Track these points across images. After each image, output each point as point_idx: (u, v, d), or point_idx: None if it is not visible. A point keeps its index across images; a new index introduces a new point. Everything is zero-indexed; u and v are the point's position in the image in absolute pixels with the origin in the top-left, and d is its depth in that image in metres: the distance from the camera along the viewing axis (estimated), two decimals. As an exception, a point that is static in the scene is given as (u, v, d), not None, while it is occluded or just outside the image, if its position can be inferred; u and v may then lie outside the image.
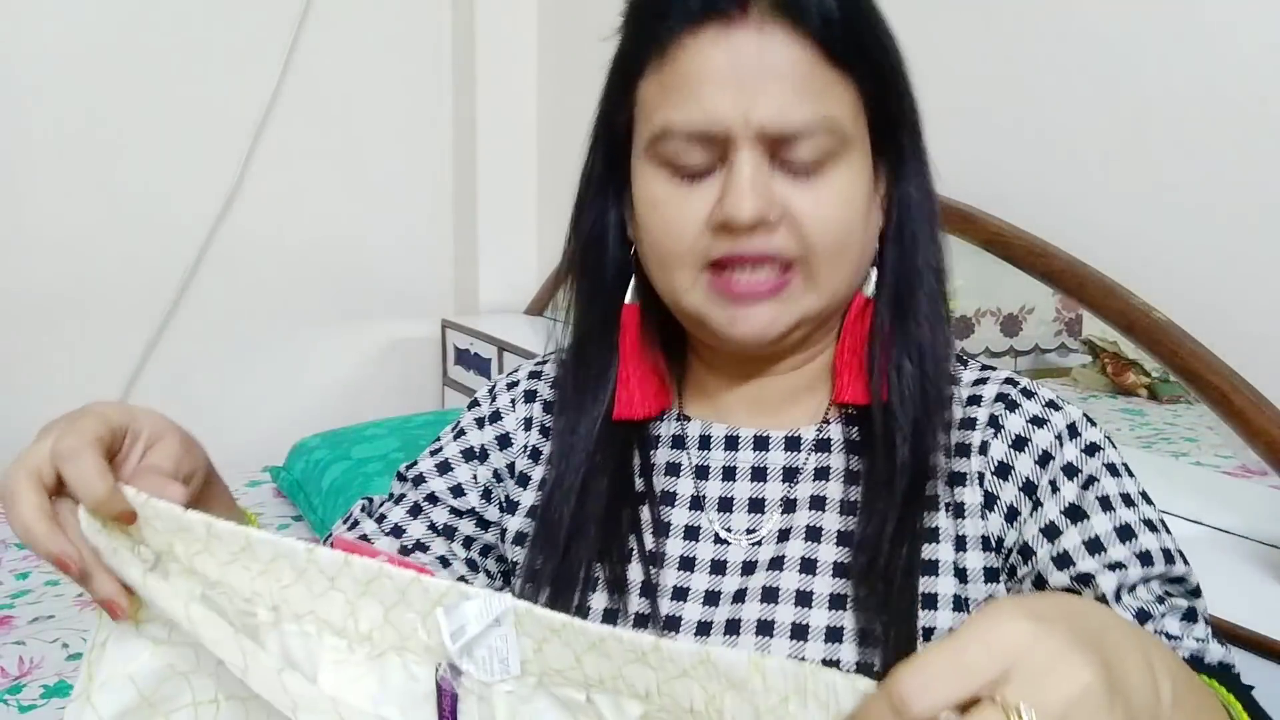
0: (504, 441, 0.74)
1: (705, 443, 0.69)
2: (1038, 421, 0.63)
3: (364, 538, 0.74)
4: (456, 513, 0.74)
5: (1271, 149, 1.12)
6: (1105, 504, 0.60)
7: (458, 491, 0.74)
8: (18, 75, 2.12)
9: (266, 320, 2.47)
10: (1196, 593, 0.60)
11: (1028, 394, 0.64)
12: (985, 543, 0.62)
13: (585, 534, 0.65)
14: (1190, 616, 0.58)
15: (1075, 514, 0.60)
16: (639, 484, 0.68)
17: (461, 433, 0.76)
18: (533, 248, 2.61)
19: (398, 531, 0.74)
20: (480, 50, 2.45)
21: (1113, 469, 0.62)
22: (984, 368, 0.68)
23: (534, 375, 0.77)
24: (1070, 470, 0.61)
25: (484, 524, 0.74)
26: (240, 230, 2.39)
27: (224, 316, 2.42)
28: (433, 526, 0.74)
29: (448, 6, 2.54)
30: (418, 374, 2.69)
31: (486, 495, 0.74)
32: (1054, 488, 0.61)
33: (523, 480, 0.73)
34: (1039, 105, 1.37)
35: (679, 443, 0.69)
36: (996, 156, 1.42)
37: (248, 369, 2.47)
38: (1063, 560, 0.59)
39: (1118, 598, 0.57)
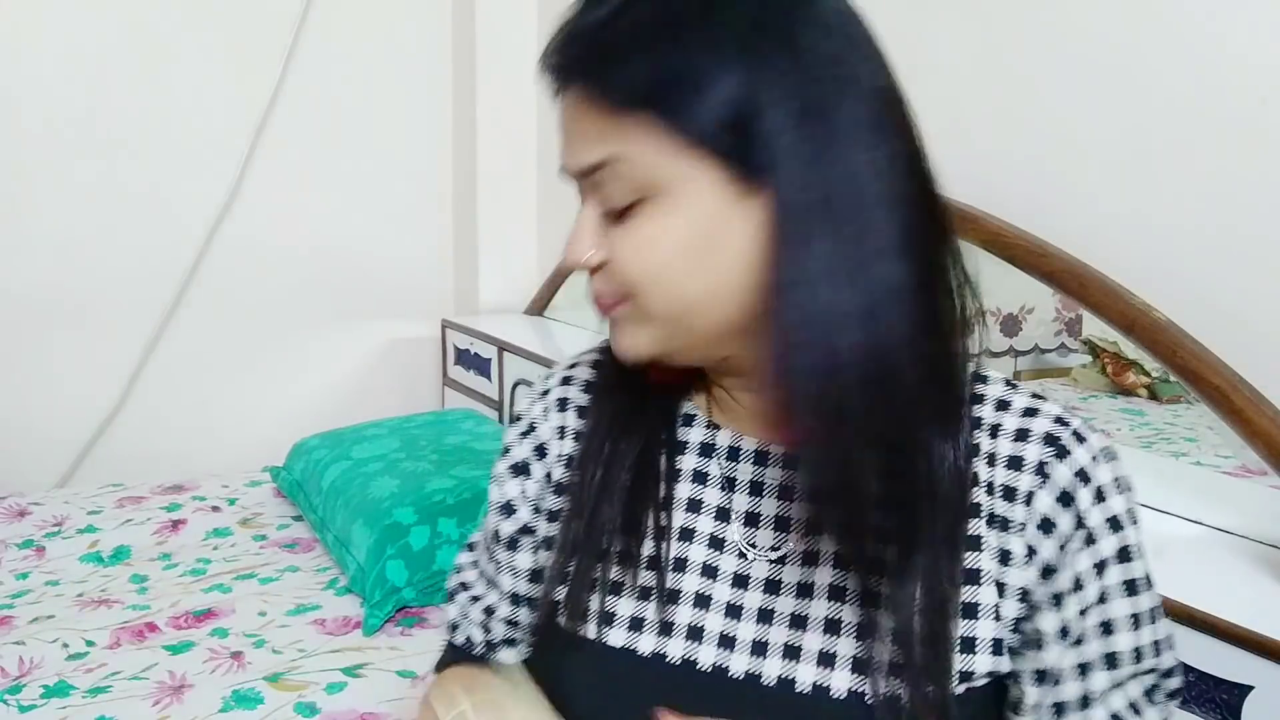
0: (541, 451, 0.75)
1: (734, 454, 0.68)
2: (1083, 477, 0.62)
3: (489, 610, 0.78)
4: (512, 543, 0.76)
5: (1271, 149, 1.12)
6: (1128, 588, 0.62)
7: (508, 510, 0.76)
8: (18, 76, 2.13)
9: (266, 320, 2.47)
10: (1175, 674, 0.65)
11: (1079, 438, 0.63)
12: (1023, 594, 0.62)
13: (610, 497, 0.67)
14: (1173, 695, 0.66)
15: (1078, 587, 0.62)
16: (661, 489, 0.69)
17: (507, 450, 0.78)
18: (533, 248, 2.61)
19: (515, 598, 0.77)
20: (480, 50, 2.45)
21: (1125, 553, 0.62)
22: (1034, 396, 0.66)
23: (565, 381, 0.77)
24: (1090, 539, 0.62)
25: (547, 542, 0.75)
26: (240, 231, 2.39)
27: (224, 317, 2.42)
28: (513, 570, 0.76)
29: (448, 7, 2.54)
30: (418, 374, 2.69)
31: (537, 509, 0.75)
32: (1075, 550, 0.62)
33: (559, 489, 0.74)
34: (1039, 105, 1.37)
35: (707, 451, 0.69)
36: (996, 156, 1.42)
37: (248, 369, 2.47)
38: (1064, 633, 0.62)
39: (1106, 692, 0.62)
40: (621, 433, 0.69)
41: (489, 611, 0.78)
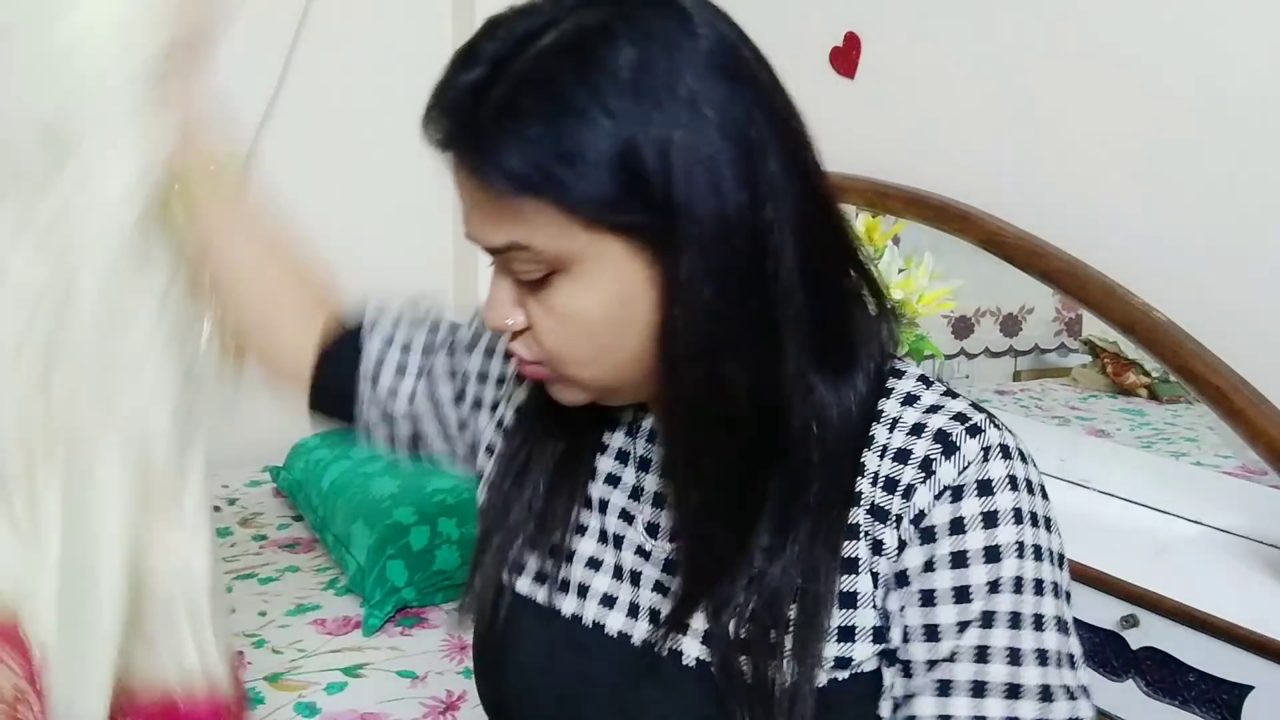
0: (500, 376, 0.79)
1: (653, 436, 0.69)
2: (968, 472, 0.59)
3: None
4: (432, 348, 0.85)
5: (1271, 149, 1.12)
6: (992, 587, 0.57)
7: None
8: (18, 75, 2.13)
9: (266, 320, 2.47)
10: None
11: (974, 432, 0.59)
12: (889, 583, 0.61)
13: (525, 493, 0.70)
14: None
15: (962, 598, 0.58)
16: (584, 462, 0.71)
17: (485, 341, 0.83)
18: (533, 248, 2.61)
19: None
20: (480, 50, 2.46)
21: (995, 551, 0.58)
22: (946, 393, 0.63)
23: None
24: (958, 529, 0.59)
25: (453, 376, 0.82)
26: (240, 230, 2.39)
27: (224, 317, 2.42)
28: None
29: (448, 8, 2.54)
30: (418, 374, 2.69)
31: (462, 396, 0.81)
32: (943, 544, 0.59)
33: (500, 424, 0.77)
34: (1039, 105, 1.37)
35: (632, 431, 0.70)
36: (996, 156, 1.42)
37: (247, 369, 2.47)
38: (931, 633, 0.58)
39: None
40: (552, 424, 0.70)
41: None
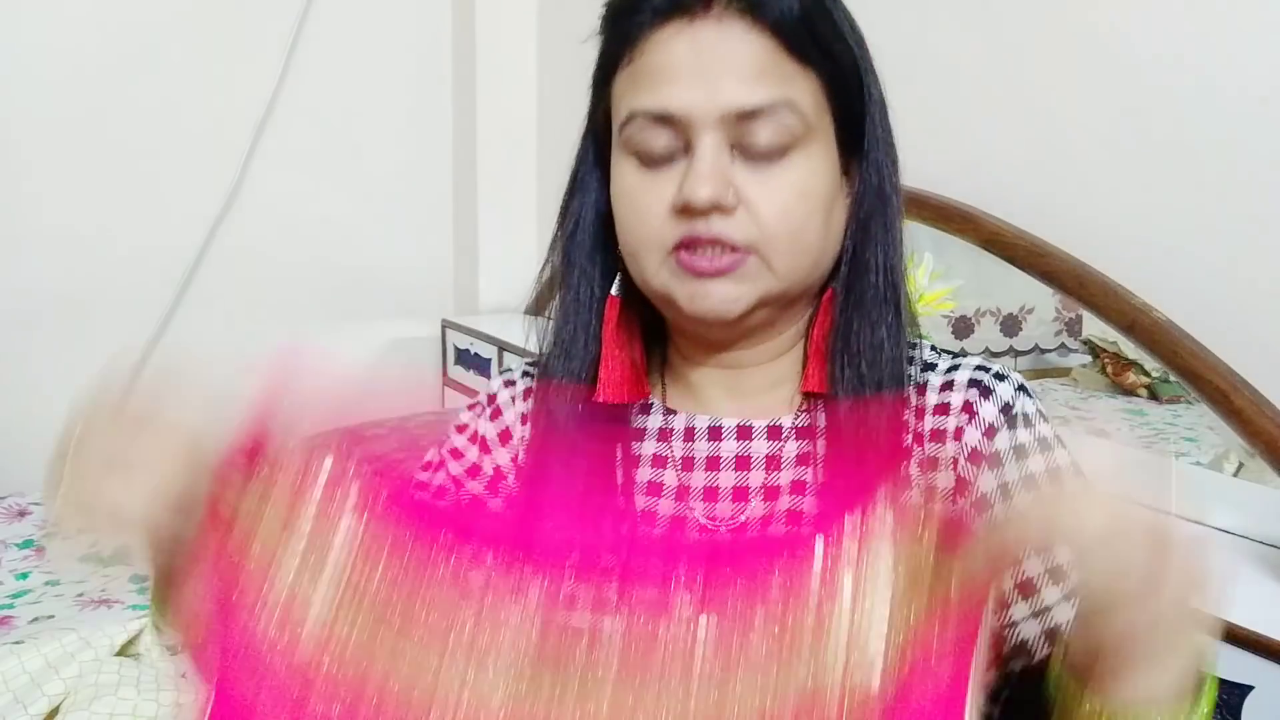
0: (505, 437, 0.76)
1: (690, 435, 0.70)
2: (1008, 409, 0.65)
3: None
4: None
5: (1271, 149, 1.12)
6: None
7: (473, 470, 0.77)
8: (18, 74, 2.12)
9: (267, 320, 2.47)
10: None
11: (1000, 377, 0.67)
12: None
13: (560, 519, 0.67)
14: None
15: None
16: (619, 475, 0.69)
17: (465, 425, 0.78)
18: (533, 248, 2.61)
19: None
20: (480, 50, 2.45)
21: (1057, 474, 0.64)
22: (955, 356, 0.70)
23: (528, 374, 0.78)
24: (1022, 454, 0.64)
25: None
26: (240, 230, 2.39)
27: (224, 316, 2.42)
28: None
29: (448, 6, 2.54)
30: (418, 374, 2.69)
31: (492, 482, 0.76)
32: (1010, 466, 0.64)
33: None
34: (1039, 105, 1.37)
35: (665, 436, 0.71)
36: (996, 156, 1.42)
37: (248, 369, 2.47)
38: None
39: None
40: (572, 445, 0.69)
41: None
